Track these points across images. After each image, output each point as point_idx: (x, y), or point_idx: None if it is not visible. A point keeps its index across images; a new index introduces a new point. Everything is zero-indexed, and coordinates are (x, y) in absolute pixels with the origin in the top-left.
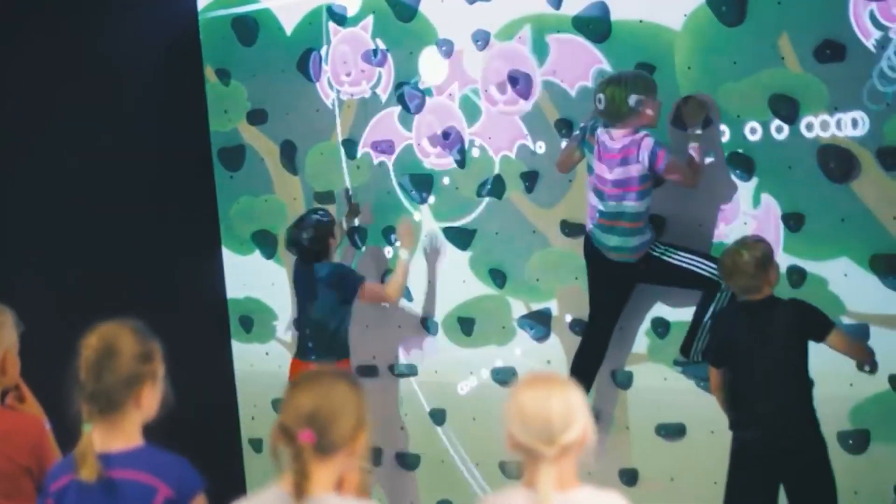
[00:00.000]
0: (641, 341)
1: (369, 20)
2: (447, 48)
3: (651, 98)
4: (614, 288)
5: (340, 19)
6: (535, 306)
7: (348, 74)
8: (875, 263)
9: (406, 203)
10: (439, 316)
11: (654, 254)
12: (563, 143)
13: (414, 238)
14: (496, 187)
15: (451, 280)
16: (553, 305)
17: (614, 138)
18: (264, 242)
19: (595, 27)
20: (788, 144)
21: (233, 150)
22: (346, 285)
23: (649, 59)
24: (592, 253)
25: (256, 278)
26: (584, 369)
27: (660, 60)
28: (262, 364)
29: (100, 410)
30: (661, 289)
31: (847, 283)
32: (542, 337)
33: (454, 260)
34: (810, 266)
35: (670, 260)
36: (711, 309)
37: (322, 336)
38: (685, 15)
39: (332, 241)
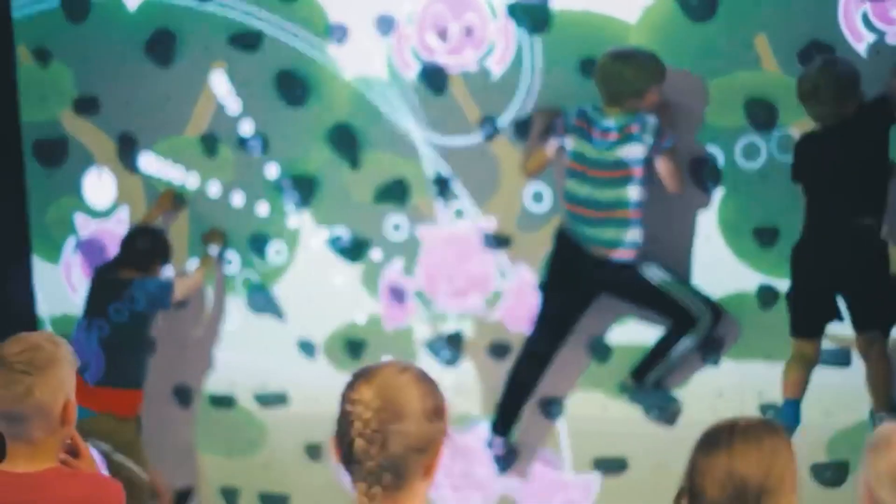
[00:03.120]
0: (577, 367)
1: None
2: (340, 34)
3: (659, 85)
4: (579, 292)
5: None
6: (445, 328)
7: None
8: None
9: (285, 207)
10: (320, 338)
11: (639, 270)
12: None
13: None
14: (399, 192)
15: (338, 297)
16: (467, 327)
17: (609, 115)
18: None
19: (533, 16)
20: (763, 152)
21: (52, 144)
22: (163, 296)
23: (595, 55)
24: (566, 250)
25: (78, 293)
26: (522, 384)
27: None
28: None
29: (384, 487)
30: (603, 307)
31: None
32: (452, 363)
33: (342, 274)
34: (784, 285)
35: (652, 280)
36: (681, 346)
37: (122, 359)
38: (643, 7)
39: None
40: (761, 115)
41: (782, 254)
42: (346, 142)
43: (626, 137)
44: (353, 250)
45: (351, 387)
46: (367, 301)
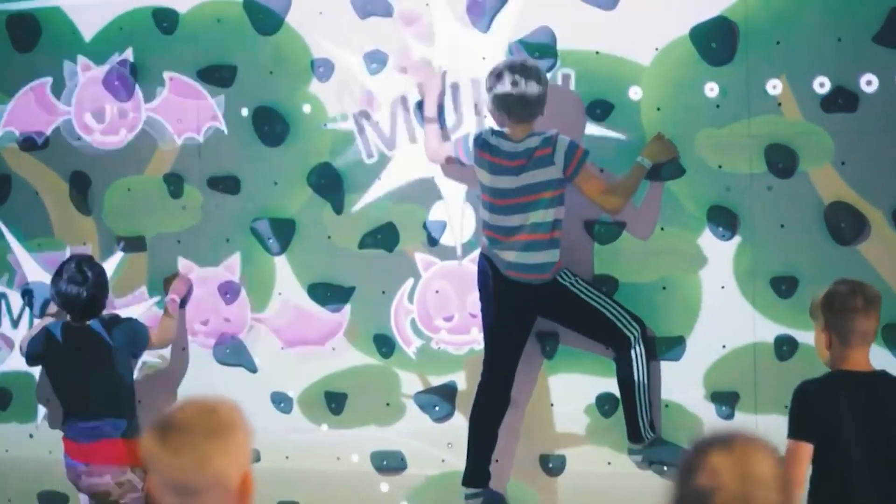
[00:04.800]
0: (579, 420)
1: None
2: (325, 69)
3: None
4: (519, 317)
5: (171, 24)
6: (436, 380)
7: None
8: (889, 335)
9: (263, 251)
10: (295, 391)
11: (563, 282)
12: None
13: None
14: (387, 238)
15: (316, 347)
16: (460, 378)
17: (515, 139)
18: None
19: (540, 56)
20: (782, 199)
21: None
22: (140, 338)
23: (605, 96)
24: (493, 277)
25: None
26: (487, 419)
27: (619, 98)
28: (22, 449)
29: None
30: (606, 355)
31: None
32: (444, 416)
33: (320, 324)
34: (803, 336)
35: (579, 294)
36: (637, 371)
37: (115, 407)
38: (657, 49)
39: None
40: (781, 161)
41: (801, 304)
42: (329, 184)
43: (534, 162)
44: (335, 299)
45: (702, 456)
46: (348, 351)
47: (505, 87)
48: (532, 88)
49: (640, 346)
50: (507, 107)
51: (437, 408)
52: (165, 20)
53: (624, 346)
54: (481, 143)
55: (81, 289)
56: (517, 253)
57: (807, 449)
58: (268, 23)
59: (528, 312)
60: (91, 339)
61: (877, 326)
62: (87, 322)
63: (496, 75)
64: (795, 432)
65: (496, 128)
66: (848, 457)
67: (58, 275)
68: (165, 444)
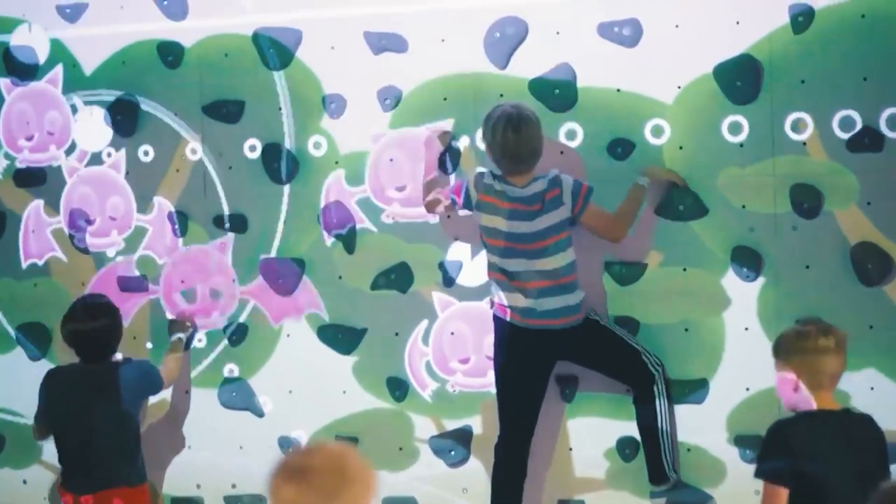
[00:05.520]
0: (599, 464)
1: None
2: (337, 105)
3: None
4: (541, 366)
5: (176, 58)
6: (451, 424)
7: None
8: None
9: None
10: (303, 434)
11: (593, 317)
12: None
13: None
14: (400, 278)
15: (326, 390)
16: (476, 422)
17: (520, 185)
18: (33, 338)
19: (560, 93)
20: (807, 240)
21: None
22: (153, 380)
23: (626, 134)
24: (510, 328)
25: (13, 383)
26: (509, 484)
27: (640, 137)
28: (17, 496)
29: None
30: (627, 398)
31: (873, 397)
32: (459, 461)
33: (330, 366)
34: None
35: (610, 328)
36: (660, 408)
37: (121, 452)
38: (680, 87)
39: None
40: (806, 200)
41: None
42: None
43: (547, 205)
44: (346, 341)
45: None
46: (359, 394)
47: (499, 138)
48: (530, 139)
49: (662, 383)
50: (504, 158)
51: (452, 452)
52: (170, 54)
53: (647, 382)
54: (484, 187)
55: (93, 327)
56: (557, 298)
57: (785, 494)
58: (277, 57)
59: (549, 360)
60: (99, 382)
61: (844, 368)
62: (97, 362)
63: (492, 127)
64: (773, 475)
65: (495, 171)
66: (827, 498)
67: (69, 313)
68: (312, 490)
